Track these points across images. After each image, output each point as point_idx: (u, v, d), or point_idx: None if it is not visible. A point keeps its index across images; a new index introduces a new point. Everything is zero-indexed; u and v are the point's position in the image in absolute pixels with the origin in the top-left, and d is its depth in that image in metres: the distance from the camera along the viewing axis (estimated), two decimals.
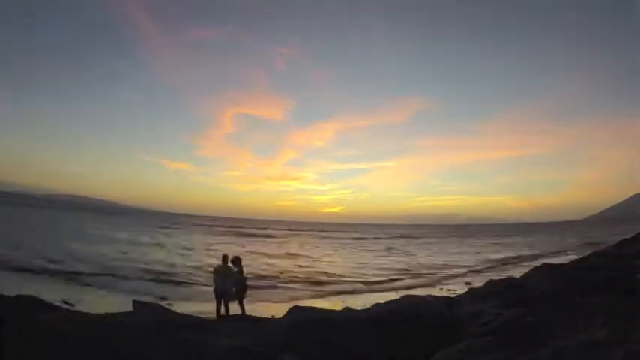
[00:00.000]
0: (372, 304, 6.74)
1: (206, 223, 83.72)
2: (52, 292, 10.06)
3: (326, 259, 26.45)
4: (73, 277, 13.83)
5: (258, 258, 23.89)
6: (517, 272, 11.32)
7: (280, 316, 6.63)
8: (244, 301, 7.61)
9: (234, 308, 7.53)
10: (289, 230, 77.72)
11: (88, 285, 12.84)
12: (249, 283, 8.16)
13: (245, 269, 7.95)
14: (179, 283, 14.51)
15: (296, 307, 6.37)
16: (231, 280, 7.49)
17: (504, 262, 24.85)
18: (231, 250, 18.13)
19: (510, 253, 30.52)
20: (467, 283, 15.00)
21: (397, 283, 16.72)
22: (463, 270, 21.09)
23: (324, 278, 17.22)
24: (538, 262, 11.14)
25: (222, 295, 7.43)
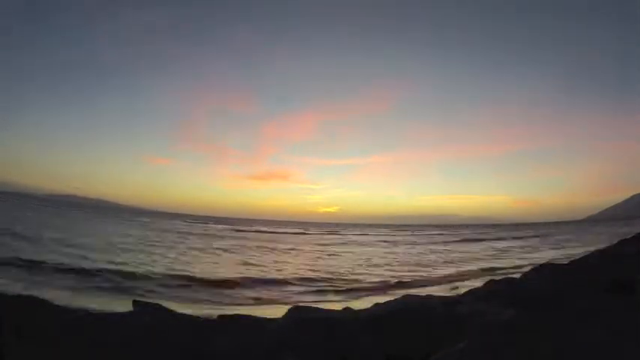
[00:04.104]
0: (372, 304, 6.74)
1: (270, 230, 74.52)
2: (52, 292, 10.07)
3: None
4: (74, 276, 13.85)
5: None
6: None
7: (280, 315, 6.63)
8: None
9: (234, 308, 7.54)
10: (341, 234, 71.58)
11: (90, 285, 12.86)
12: None
13: None
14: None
15: (296, 307, 6.36)
16: None
17: None
18: None
19: None
20: None
21: None
22: None
23: None
24: None
25: None
